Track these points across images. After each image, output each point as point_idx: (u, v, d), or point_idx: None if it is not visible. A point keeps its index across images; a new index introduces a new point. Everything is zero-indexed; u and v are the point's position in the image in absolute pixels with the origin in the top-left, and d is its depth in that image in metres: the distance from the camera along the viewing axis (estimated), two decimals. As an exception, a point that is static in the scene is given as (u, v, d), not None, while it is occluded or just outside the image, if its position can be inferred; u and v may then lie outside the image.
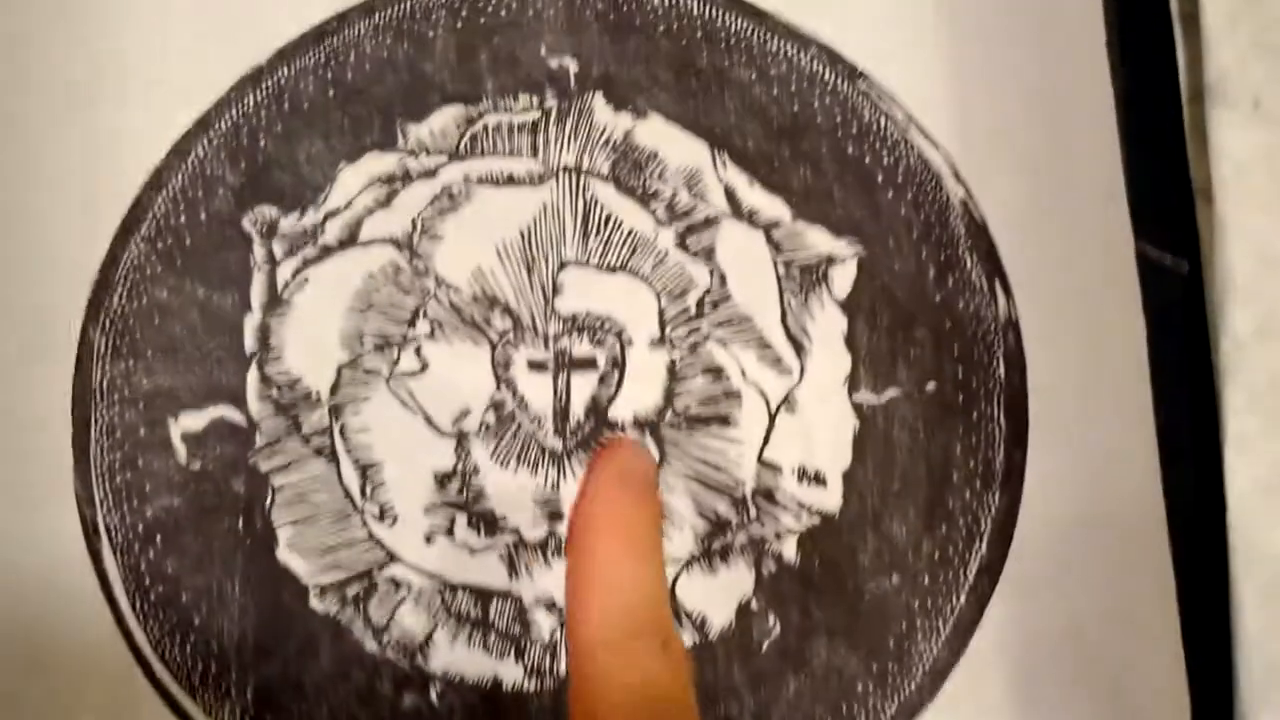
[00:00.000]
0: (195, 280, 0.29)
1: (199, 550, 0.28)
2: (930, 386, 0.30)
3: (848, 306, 0.30)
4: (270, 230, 0.30)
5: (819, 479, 0.29)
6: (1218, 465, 0.28)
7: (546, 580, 0.29)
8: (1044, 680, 0.28)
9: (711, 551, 0.29)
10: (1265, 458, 0.28)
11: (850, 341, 0.30)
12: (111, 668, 0.28)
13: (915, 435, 0.30)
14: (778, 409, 0.30)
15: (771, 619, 0.29)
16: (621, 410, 0.30)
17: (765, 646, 0.29)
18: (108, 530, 0.28)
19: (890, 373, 0.30)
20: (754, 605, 0.29)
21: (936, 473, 0.29)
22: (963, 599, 0.29)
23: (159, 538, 0.28)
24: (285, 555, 0.29)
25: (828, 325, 0.30)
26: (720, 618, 0.29)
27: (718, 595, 0.29)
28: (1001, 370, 0.30)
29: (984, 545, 0.29)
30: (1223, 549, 0.28)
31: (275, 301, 0.30)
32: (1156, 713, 0.28)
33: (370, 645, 0.28)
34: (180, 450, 0.29)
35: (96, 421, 0.29)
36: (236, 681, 0.28)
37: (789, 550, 0.29)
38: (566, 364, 0.30)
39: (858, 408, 0.30)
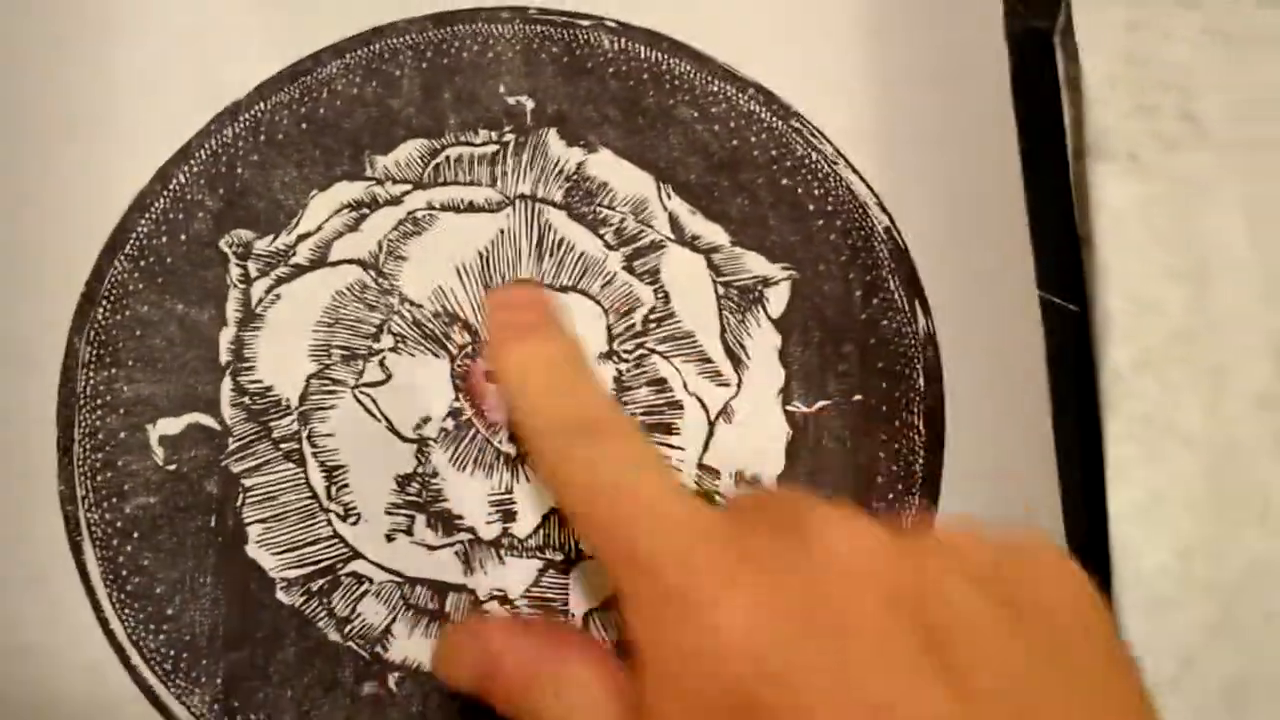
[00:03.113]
0: (175, 296, 0.34)
1: (173, 546, 0.32)
2: (857, 398, 0.34)
3: (781, 324, 0.35)
4: (246, 251, 0.34)
5: (754, 482, 0.34)
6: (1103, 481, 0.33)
7: (499, 575, 0.33)
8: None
9: (654, 549, 0.33)
10: (1141, 484, 0.33)
11: (784, 356, 0.35)
12: (89, 655, 0.31)
13: (843, 443, 0.34)
14: (716, 418, 0.34)
15: (710, 612, 0.33)
16: (571, 418, 0.34)
17: (704, 637, 0.33)
18: (88, 526, 0.32)
19: (820, 385, 0.34)
20: (694, 599, 0.33)
21: (862, 477, 0.34)
22: (887, 592, 0.33)
23: (136, 534, 0.32)
24: (254, 551, 0.33)
25: (763, 341, 0.35)
26: (662, 610, 0.33)
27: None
28: (921, 382, 0.34)
29: (906, 542, 0.33)
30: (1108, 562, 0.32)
31: (249, 316, 0.34)
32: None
33: (333, 635, 0.32)
34: (158, 453, 0.33)
35: (79, 425, 0.32)
36: (207, 669, 0.32)
37: (726, 548, 0.33)
38: (521, 376, 0.34)
39: (790, 417, 0.34)
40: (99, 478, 0.33)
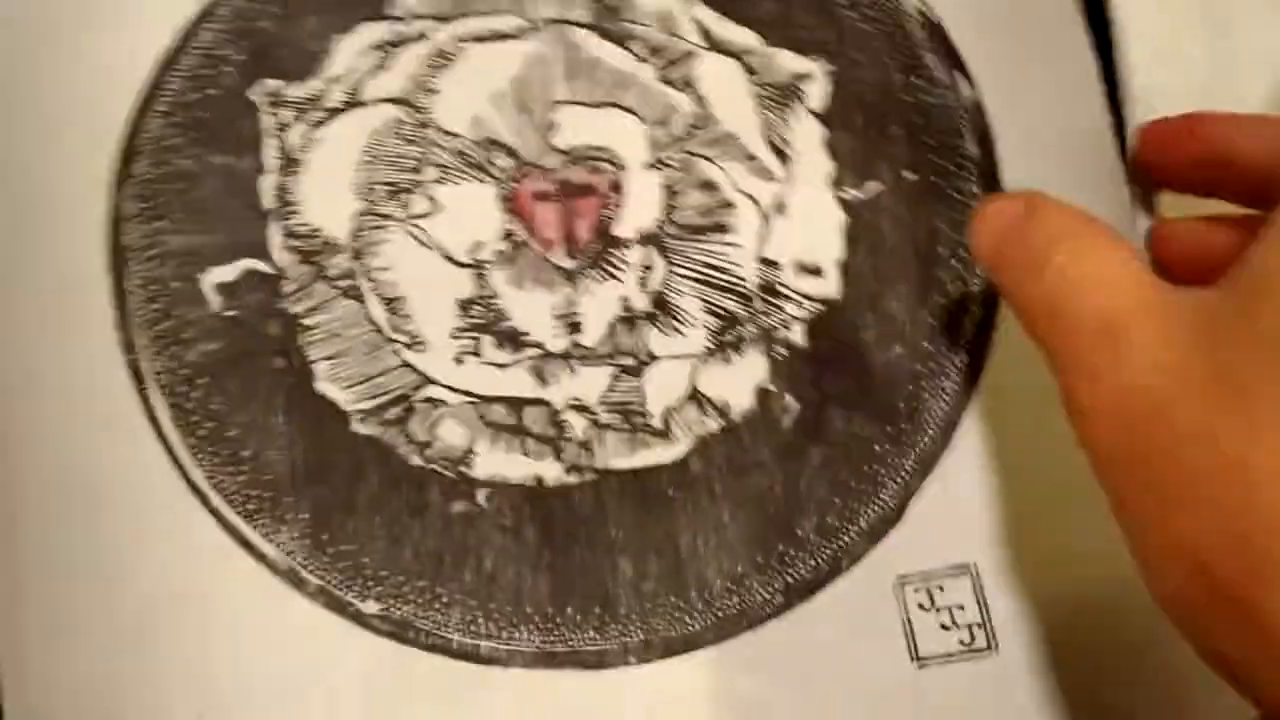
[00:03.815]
0: (213, 149, 0.34)
1: (241, 389, 0.32)
2: (909, 175, 0.34)
3: (824, 116, 0.35)
4: (278, 99, 0.34)
5: (816, 271, 0.34)
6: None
7: (573, 385, 0.33)
8: (1050, 408, 0.32)
9: (725, 344, 0.33)
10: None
11: (830, 146, 0.35)
12: (169, 503, 0.31)
13: (901, 221, 0.34)
14: (770, 212, 0.34)
15: (789, 398, 0.33)
16: (624, 228, 0.34)
17: (787, 423, 0.33)
18: (153, 375, 0.32)
19: (871, 169, 0.35)
20: (771, 388, 0.33)
21: (924, 251, 0.34)
22: (963, 356, 0.33)
23: (203, 379, 0.32)
24: (324, 387, 0.32)
25: (807, 135, 0.35)
26: (741, 402, 0.33)
27: (736, 382, 0.33)
28: (974, 149, 0.34)
29: (977, 306, 0.33)
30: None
31: (289, 163, 0.34)
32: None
33: (415, 460, 0.32)
34: (214, 300, 0.32)
35: (131, 277, 0.32)
36: (292, 505, 0.31)
37: (797, 336, 0.33)
38: (569, 192, 0.34)
39: (844, 204, 0.34)
40: (157, 328, 0.32)
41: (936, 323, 0.34)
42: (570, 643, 0.31)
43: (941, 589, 0.32)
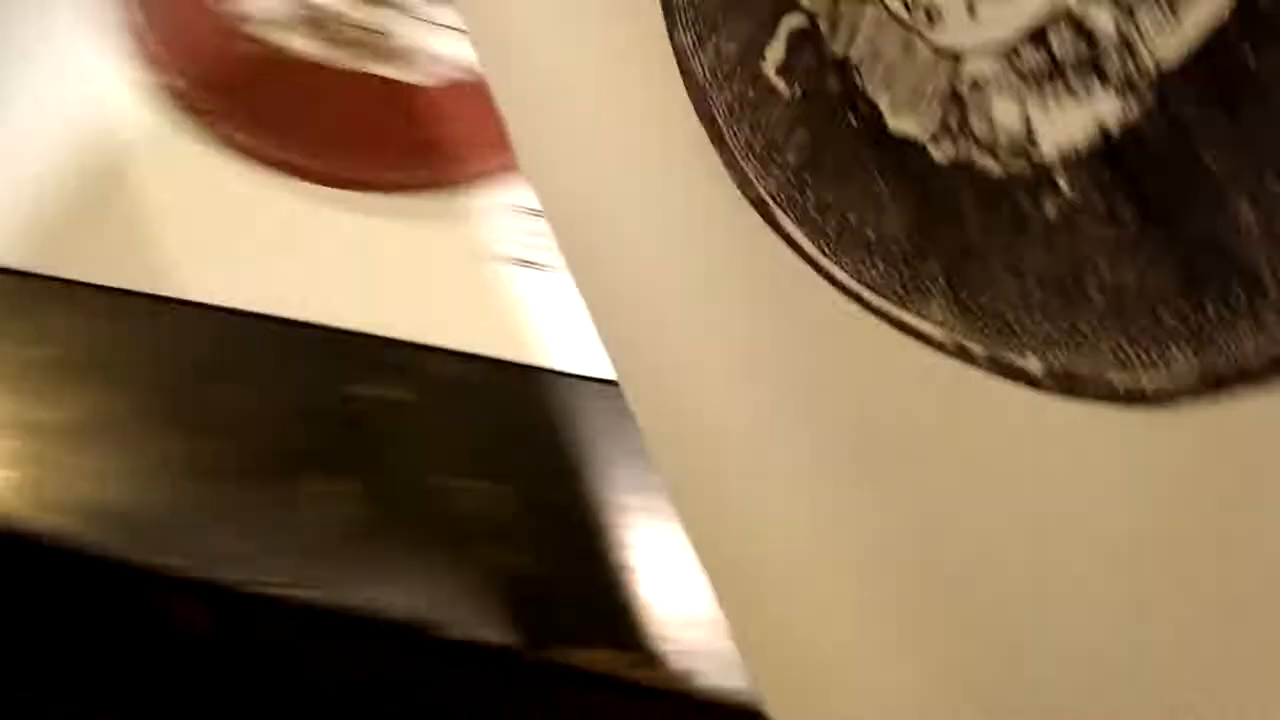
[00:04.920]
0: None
1: (835, 167, 0.29)
2: None
3: None
4: None
5: None
6: None
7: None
8: None
9: None
10: None
11: None
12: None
13: None
14: None
15: None
16: None
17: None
18: (767, 193, 0.30)
19: None
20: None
21: None
22: None
23: (805, 175, 0.29)
24: (894, 123, 0.27)
25: None
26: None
27: None
28: None
29: None
30: None
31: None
32: None
33: (990, 163, 0.25)
34: (782, 86, 0.29)
35: (716, 105, 0.31)
36: (925, 270, 0.27)
37: None
38: None
39: None
40: (755, 149, 0.31)
41: None
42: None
43: None
